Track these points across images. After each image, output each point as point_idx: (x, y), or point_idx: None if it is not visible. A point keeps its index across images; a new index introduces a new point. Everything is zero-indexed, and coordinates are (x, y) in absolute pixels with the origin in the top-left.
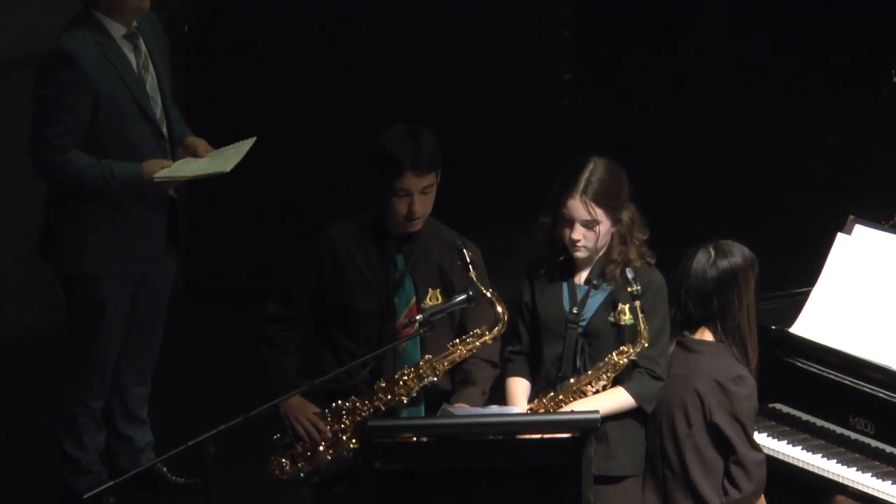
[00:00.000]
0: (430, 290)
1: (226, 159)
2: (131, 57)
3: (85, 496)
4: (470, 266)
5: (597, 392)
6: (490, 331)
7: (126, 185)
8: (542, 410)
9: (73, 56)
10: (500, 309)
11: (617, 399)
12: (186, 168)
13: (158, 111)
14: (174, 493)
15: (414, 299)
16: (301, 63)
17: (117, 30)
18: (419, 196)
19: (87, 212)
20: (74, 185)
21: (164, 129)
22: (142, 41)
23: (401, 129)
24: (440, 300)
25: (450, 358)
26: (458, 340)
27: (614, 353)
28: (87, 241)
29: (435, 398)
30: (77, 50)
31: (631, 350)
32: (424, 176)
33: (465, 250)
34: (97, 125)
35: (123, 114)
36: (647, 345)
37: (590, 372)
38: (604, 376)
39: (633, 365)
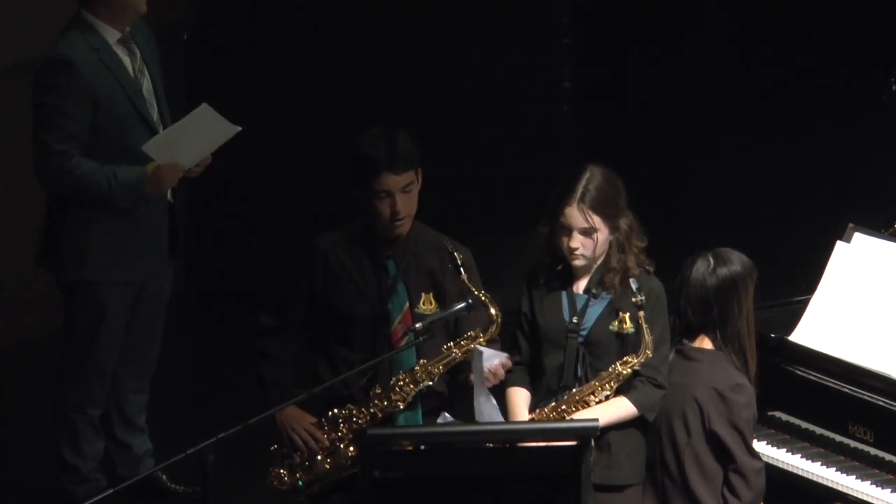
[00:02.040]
0: (422, 294)
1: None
2: (127, 61)
3: None
4: (461, 268)
5: (599, 402)
6: (483, 333)
7: (129, 189)
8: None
9: (70, 62)
10: (493, 311)
11: (619, 408)
12: (175, 142)
13: (155, 114)
14: (173, 501)
15: (407, 304)
16: (300, 67)
17: (112, 34)
18: (400, 195)
19: (87, 218)
20: (78, 191)
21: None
22: (136, 46)
23: (374, 131)
24: (433, 304)
25: (445, 361)
26: (451, 343)
27: (618, 364)
28: (89, 247)
29: (431, 403)
30: (74, 55)
31: (635, 360)
32: (402, 174)
33: (455, 252)
34: (96, 130)
35: (121, 118)
36: (650, 355)
37: (593, 382)
38: (607, 386)
39: (634, 374)
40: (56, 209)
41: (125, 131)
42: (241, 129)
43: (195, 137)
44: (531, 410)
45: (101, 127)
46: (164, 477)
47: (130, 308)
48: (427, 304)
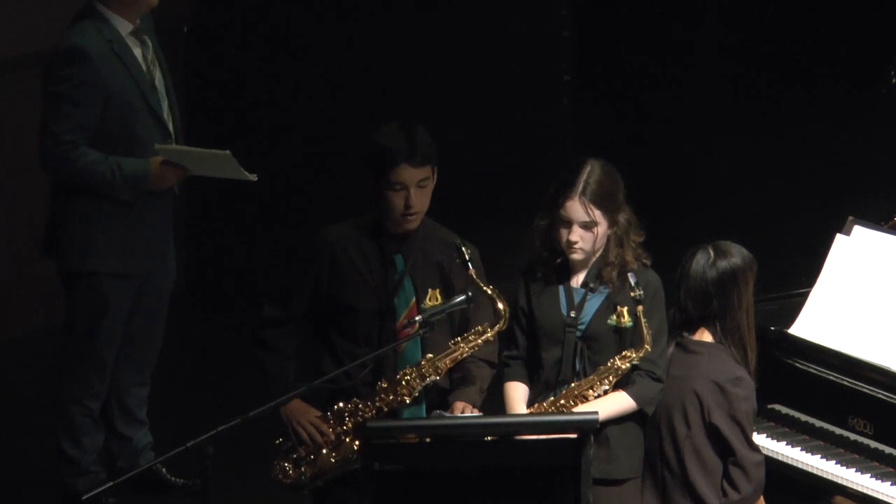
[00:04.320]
0: (429, 290)
1: (220, 163)
2: (139, 53)
3: (84, 497)
4: (469, 264)
5: (598, 396)
6: (491, 328)
7: (133, 182)
8: None
9: (84, 52)
10: (500, 306)
11: (618, 402)
12: (188, 158)
13: (165, 107)
14: (173, 493)
15: (414, 300)
16: (300, 64)
17: (124, 26)
18: (415, 189)
19: (91, 209)
20: (82, 181)
21: (171, 126)
22: (147, 37)
23: (395, 123)
24: (440, 300)
25: (452, 356)
26: (459, 339)
27: (617, 358)
28: (92, 238)
29: (435, 398)
30: (88, 46)
31: (634, 355)
32: (420, 168)
33: (463, 248)
34: (106, 121)
35: (132, 110)
36: (649, 349)
37: (591, 376)
38: (606, 381)
39: (632, 368)
40: (59, 200)
41: (135, 123)
42: (255, 178)
43: (207, 164)
44: (529, 405)
45: (111, 118)
46: (163, 470)
47: (132, 301)
48: (433, 301)
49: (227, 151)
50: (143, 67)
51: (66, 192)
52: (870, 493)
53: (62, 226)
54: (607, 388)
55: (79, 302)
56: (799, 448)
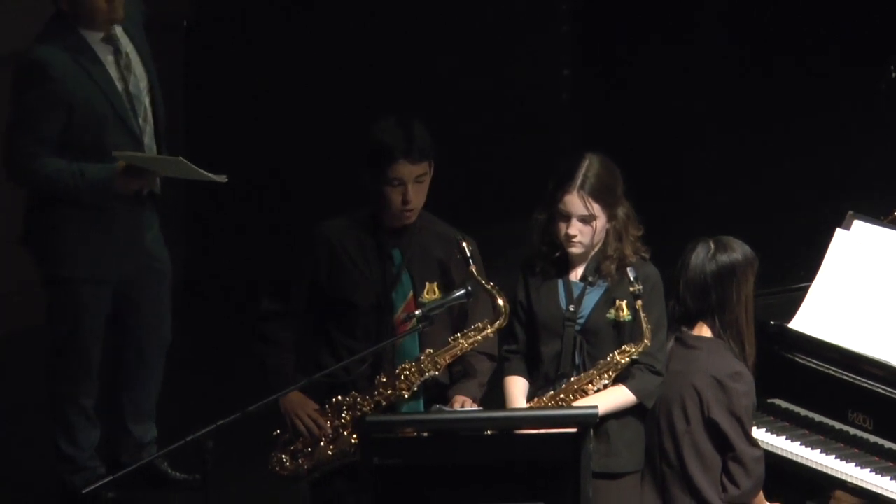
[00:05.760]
0: (427, 283)
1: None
2: (109, 60)
3: (84, 491)
4: (470, 260)
5: (597, 391)
6: (491, 324)
7: (97, 187)
8: None
9: (43, 66)
10: (500, 302)
11: (618, 396)
12: (147, 162)
13: (141, 111)
14: (174, 488)
15: (411, 293)
16: (300, 61)
17: (93, 35)
18: (413, 185)
19: (64, 215)
20: (47, 190)
21: (148, 129)
22: (123, 40)
23: (391, 119)
24: (437, 294)
25: (451, 352)
26: (459, 334)
27: (616, 353)
28: (64, 244)
29: (434, 392)
30: (49, 59)
31: (633, 349)
32: (418, 164)
33: (464, 243)
34: (73, 131)
35: (99, 119)
36: (648, 344)
37: (591, 371)
38: (605, 375)
39: (632, 361)
40: (32, 204)
41: (103, 132)
42: (224, 179)
43: (168, 167)
44: (529, 399)
45: (78, 128)
46: (164, 464)
47: (110, 304)
48: (431, 294)
49: (180, 157)
50: (114, 74)
51: (38, 196)
52: (869, 487)
53: (36, 230)
54: (607, 382)
55: (56, 305)
56: (798, 443)
